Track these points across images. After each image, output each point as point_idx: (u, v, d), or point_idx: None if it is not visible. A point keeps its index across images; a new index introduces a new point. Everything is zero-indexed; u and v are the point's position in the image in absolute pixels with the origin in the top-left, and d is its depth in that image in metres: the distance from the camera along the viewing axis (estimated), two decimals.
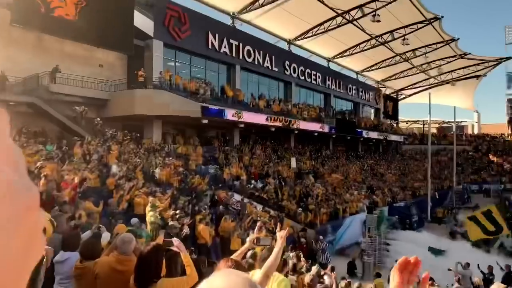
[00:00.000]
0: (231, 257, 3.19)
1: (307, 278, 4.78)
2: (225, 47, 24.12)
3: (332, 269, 9.42)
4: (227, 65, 25.33)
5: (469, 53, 38.45)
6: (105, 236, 5.22)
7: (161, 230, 8.16)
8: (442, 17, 30.36)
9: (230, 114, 20.88)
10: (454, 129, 40.80)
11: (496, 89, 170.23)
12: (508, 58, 43.93)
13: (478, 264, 12.78)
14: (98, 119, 16.92)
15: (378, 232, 16.73)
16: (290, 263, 6.42)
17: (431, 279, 10.83)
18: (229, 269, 1.99)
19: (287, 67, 29.50)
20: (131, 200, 11.20)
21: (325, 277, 6.82)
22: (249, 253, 4.54)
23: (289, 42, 30.97)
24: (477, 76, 45.38)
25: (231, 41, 24.56)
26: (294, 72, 30.22)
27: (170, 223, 8.23)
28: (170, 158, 16.68)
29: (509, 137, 49.61)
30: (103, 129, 16.40)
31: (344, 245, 18.77)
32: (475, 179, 39.85)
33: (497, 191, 36.17)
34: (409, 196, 27.36)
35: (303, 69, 31.21)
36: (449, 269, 12.94)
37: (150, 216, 8.99)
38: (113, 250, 3.35)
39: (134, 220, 8.73)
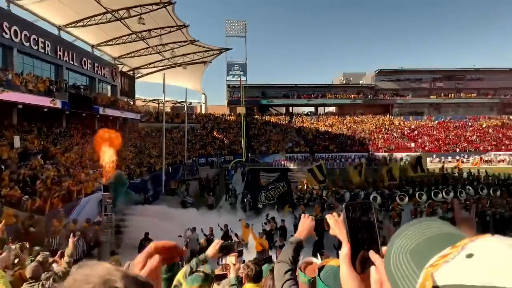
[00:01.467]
0: None
1: (28, 270, 4.35)
2: None
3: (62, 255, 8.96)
4: None
5: (198, 40, 42.79)
6: None
7: None
8: (175, 2, 32.45)
9: None
10: (186, 109, 44.86)
11: (219, 75, 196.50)
12: (228, 49, 51.54)
13: (201, 228, 14.82)
14: None
15: (115, 210, 16.80)
16: (12, 256, 5.76)
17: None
18: None
19: (6, 30, 24.83)
20: None
21: (54, 264, 6.44)
22: None
23: (9, 1, 26.14)
24: (204, 62, 51.26)
25: None
26: (16, 36, 25.80)
27: None
28: None
29: (228, 117, 58.81)
30: None
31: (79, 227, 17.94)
32: (202, 153, 45.42)
33: (218, 162, 42.50)
34: (145, 172, 28.57)
35: (28, 34, 27.05)
36: (179, 236, 14.46)
37: None
38: None
39: None
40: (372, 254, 0.79)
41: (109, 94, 40.99)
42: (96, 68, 37.79)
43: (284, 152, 47.23)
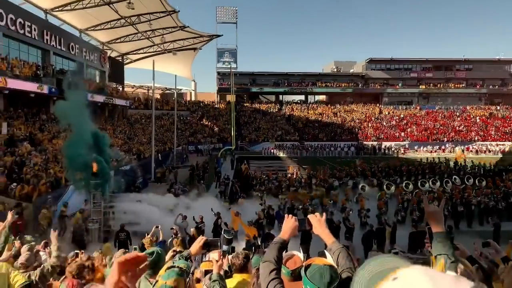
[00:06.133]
0: None
1: (21, 258, 4.32)
2: None
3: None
4: None
5: (188, 26, 42.28)
6: None
7: None
8: None
9: None
10: (175, 96, 44.50)
11: (209, 62, 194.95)
12: (218, 36, 51.02)
13: (193, 216, 14.75)
14: None
15: (104, 197, 16.75)
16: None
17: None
18: None
19: None
20: None
21: (41, 252, 6.43)
22: None
23: None
24: (194, 49, 50.72)
25: None
26: (1, 19, 25.26)
27: None
28: None
29: (218, 104, 58.55)
30: None
31: (69, 214, 17.85)
32: (192, 141, 45.30)
33: (208, 150, 42.48)
34: (135, 159, 28.44)
35: (14, 18, 26.49)
36: (171, 228, 14.29)
37: None
38: None
39: None
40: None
41: (98, 80, 40.44)
42: (84, 54, 37.17)
43: (274, 140, 47.35)
